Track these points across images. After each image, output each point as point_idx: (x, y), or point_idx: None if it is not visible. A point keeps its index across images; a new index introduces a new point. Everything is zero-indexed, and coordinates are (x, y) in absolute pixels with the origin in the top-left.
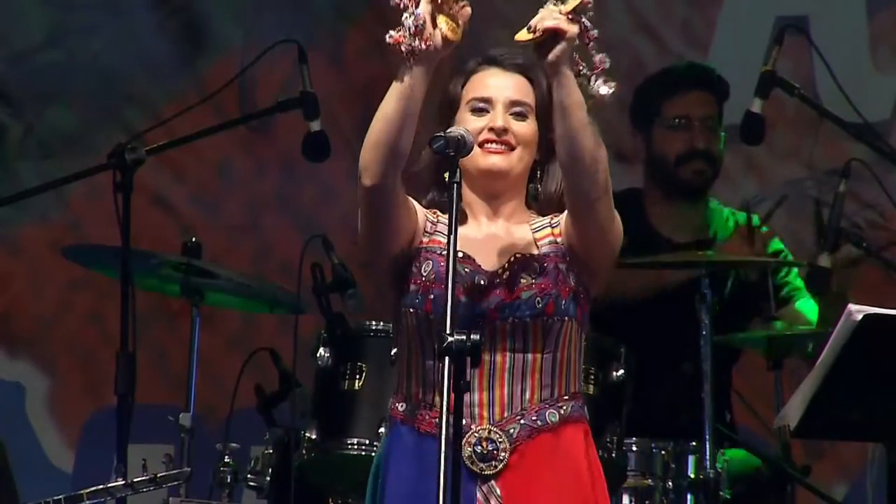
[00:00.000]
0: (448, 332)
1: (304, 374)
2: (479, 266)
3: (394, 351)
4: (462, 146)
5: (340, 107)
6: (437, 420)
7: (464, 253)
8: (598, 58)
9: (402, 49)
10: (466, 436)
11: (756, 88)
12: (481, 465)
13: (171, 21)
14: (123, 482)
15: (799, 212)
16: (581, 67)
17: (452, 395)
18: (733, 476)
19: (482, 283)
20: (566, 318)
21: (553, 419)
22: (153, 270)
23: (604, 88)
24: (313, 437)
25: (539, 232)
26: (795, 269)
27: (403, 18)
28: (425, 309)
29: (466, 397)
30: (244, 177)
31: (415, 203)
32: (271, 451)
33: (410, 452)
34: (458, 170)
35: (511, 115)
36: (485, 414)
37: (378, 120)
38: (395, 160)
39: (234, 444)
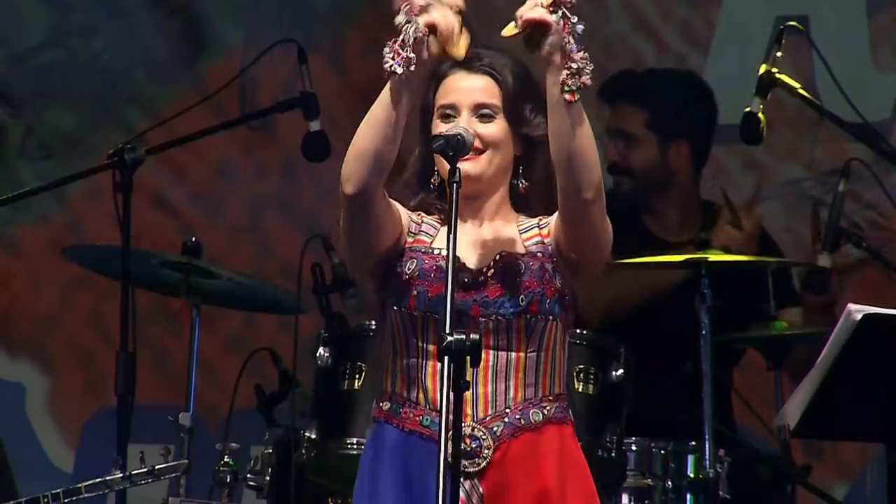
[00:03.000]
0: (448, 331)
1: (304, 374)
2: (463, 264)
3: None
4: (461, 146)
5: (340, 107)
6: (420, 418)
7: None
8: (579, 55)
9: (398, 59)
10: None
11: (756, 88)
12: (465, 462)
13: (172, 21)
14: (121, 475)
15: (799, 212)
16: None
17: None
18: None
19: (466, 280)
20: (550, 317)
21: (536, 418)
22: (153, 270)
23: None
24: (313, 437)
25: (527, 232)
26: None
27: (403, 28)
28: (408, 306)
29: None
30: (244, 177)
31: (398, 206)
32: (271, 451)
33: (397, 451)
34: (458, 170)
35: (478, 117)
36: (468, 411)
37: (364, 129)
38: (380, 170)
39: (234, 444)
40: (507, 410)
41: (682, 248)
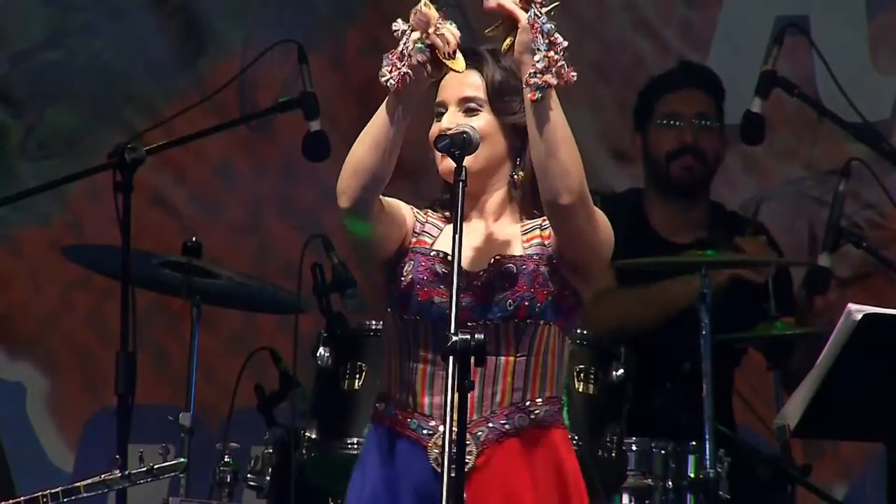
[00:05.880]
0: (452, 331)
1: (304, 374)
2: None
3: None
4: (467, 144)
5: (340, 107)
6: (409, 421)
7: (444, 253)
8: (545, 54)
9: (394, 73)
10: (434, 437)
11: (756, 88)
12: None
13: (172, 21)
14: (120, 474)
15: (799, 212)
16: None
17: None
18: None
19: (459, 283)
20: (541, 321)
21: (522, 423)
22: (153, 270)
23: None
24: (313, 437)
25: (528, 233)
26: None
27: (407, 45)
28: (401, 309)
29: (437, 399)
30: (244, 177)
31: (403, 206)
32: (271, 450)
33: (386, 452)
34: (464, 168)
35: (463, 111)
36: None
37: (361, 145)
38: (376, 185)
39: (234, 444)
40: (493, 415)
41: (687, 251)
